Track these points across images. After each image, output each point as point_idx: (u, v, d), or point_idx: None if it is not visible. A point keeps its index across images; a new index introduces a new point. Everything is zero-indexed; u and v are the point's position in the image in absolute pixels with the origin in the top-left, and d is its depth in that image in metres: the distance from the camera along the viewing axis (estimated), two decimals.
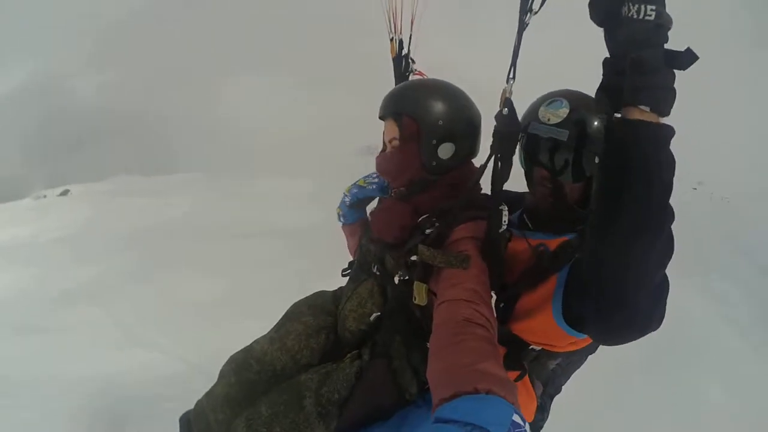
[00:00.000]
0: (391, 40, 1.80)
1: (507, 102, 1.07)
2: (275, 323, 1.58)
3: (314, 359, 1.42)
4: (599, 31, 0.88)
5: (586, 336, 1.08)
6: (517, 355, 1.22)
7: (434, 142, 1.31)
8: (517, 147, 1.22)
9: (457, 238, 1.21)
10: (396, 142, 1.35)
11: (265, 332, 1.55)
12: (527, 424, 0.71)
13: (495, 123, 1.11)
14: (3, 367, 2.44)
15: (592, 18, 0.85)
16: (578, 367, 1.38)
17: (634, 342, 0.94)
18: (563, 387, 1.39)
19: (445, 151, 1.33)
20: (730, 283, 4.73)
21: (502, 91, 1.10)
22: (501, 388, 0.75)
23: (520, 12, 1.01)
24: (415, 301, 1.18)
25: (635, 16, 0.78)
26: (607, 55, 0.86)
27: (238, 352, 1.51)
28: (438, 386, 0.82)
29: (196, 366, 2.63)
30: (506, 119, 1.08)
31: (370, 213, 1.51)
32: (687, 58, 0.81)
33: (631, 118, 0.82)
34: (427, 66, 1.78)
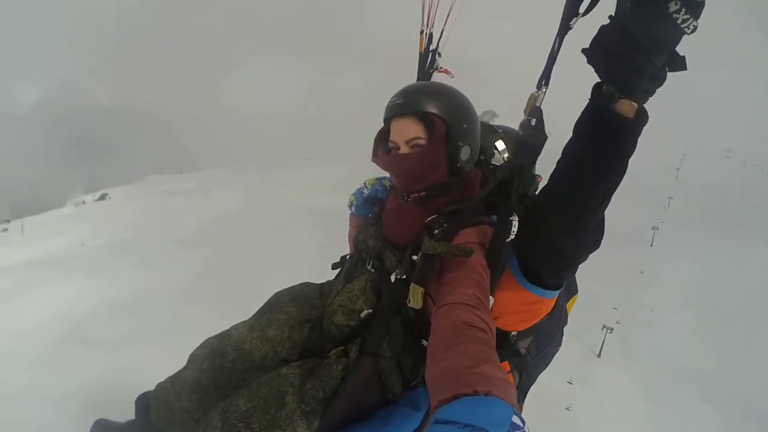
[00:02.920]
0: (422, 33, 1.75)
1: (536, 111, 1.06)
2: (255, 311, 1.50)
3: (295, 353, 1.33)
4: None
5: (546, 294, 1.22)
6: (500, 345, 1.27)
7: (460, 144, 1.33)
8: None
9: (463, 241, 1.20)
10: (422, 142, 1.31)
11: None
12: (526, 425, 0.71)
13: (520, 131, 1.10)
14: (73, 381, 2.20)
15: None
16: (549, 361, 1.59)
17: None
18: None
19: (465, 153, 1.35)
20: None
21: (530, 96, 1.06)
22: (500, 390, 0.76)
23: (563, 15, 0.96)
24: (409, 304, 1.15)
25: (678, 21, 0.77)
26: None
27: (213, 337, 1.40)
28: (437, 388, 0.82)
29: None
30: (533, 129, 1.07)
31: (384, 212, 1.47)
32: (680, 66, 0.85)
33: (622, 110, 0.89)
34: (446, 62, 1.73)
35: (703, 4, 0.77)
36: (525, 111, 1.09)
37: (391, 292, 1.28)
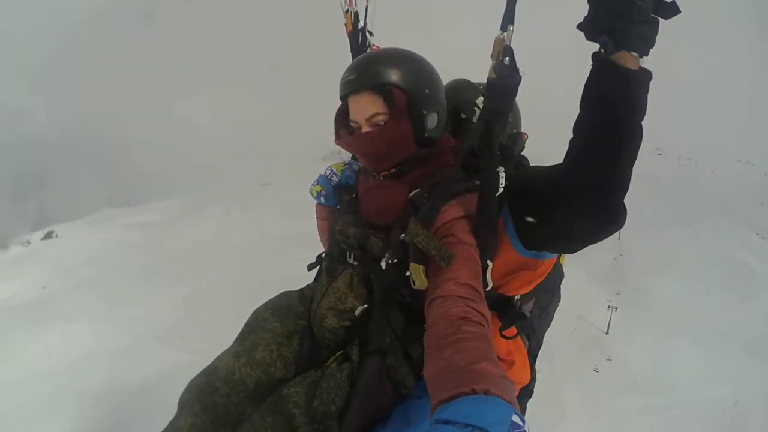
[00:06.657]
0: (346, 12, 1.66)
1: (507, 50, 1.01)
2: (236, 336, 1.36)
3: (289, 370, 1.26)
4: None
5: (545, 257, 1.24)
6: (506, 311, 1.28)
7: (424, 112, 1.24)
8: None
9: (448, 219, 1.14)
10: (383, 117, 1.21)
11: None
12: (526, 425, 0.71)
13: (492, 74, 1.04)
14: None
15: None
16: (551, 319, 1.59)
17: None
18: None
19: (432, 120, 1.27)
20: None
21: (496, 39, 1.03)
22: (498, 388, 0.75)
23: None
24: (414, 286, 1.08)
25: None
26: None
27: (197, 376, 1.27)
28: (436, 388, 0.82)
29: None
30: (507, 69, 1.02)
31: (360, 194, 1.38)
32: (671, 10, 0.87)
33: (626, 64, 0.88)
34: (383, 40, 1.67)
35: None
36: (492, 55, 1.04)
37: (384, 281, 1.19)
